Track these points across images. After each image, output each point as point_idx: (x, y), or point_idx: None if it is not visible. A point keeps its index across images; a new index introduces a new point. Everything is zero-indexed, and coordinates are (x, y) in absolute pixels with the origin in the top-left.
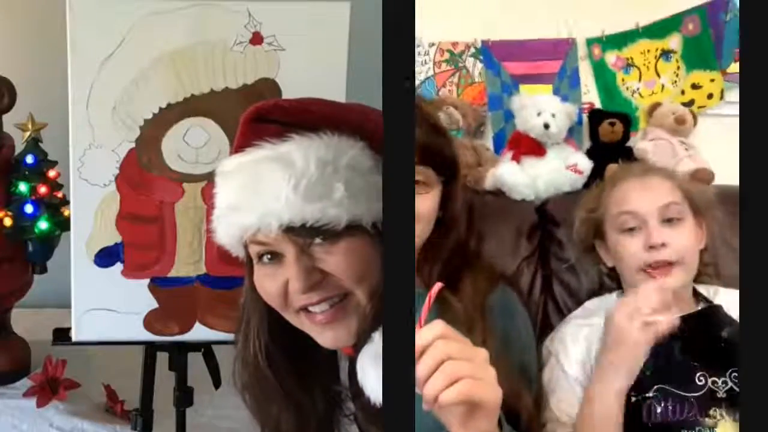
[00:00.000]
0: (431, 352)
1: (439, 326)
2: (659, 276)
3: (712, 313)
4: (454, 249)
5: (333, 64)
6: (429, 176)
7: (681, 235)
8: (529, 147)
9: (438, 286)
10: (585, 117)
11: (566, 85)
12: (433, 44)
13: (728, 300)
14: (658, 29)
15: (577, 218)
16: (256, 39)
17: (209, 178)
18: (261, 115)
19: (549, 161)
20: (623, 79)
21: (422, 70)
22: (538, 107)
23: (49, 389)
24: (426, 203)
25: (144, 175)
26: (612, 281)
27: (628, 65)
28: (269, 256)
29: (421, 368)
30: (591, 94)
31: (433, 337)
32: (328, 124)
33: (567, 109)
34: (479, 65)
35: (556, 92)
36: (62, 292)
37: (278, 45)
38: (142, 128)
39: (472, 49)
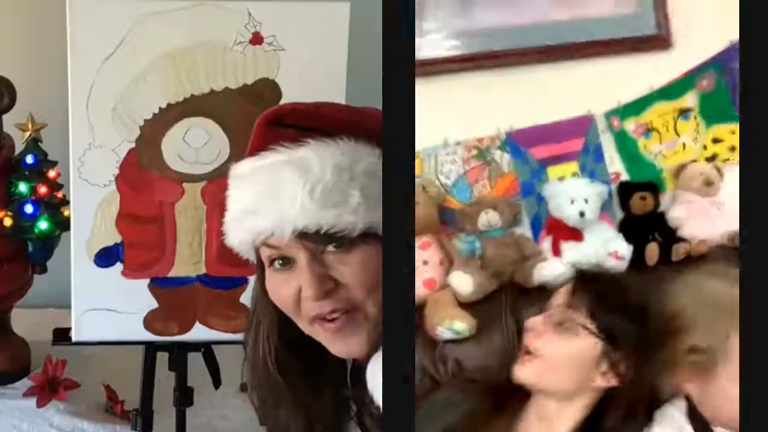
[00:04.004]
0: None
1: None
2: None
3: None
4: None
5: (333, 64)
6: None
7: None
8: (567, 234)
9: None
10: (613, 187)
11: (591, 160)
12: (459, 143)
13: None
14: (673, 90)
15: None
16: (256, 39)
17: (209, 178)
18: (277, 119)
19: (588, 245)
20: (645, 145)
21: (452, 170)
22: (570, 194)
23: (49, 389)
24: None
25: (144, 175)
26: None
27: (648, 130)
28: (281, 261)
29: None
30: (615, 164)
31: None
32: (345, 130)
33: (597, 189)
34: (506, 156)
35: (582, 168)
36: (62, 292)
37: (278, 45)
38: (142, 128)
39: (498, 142)
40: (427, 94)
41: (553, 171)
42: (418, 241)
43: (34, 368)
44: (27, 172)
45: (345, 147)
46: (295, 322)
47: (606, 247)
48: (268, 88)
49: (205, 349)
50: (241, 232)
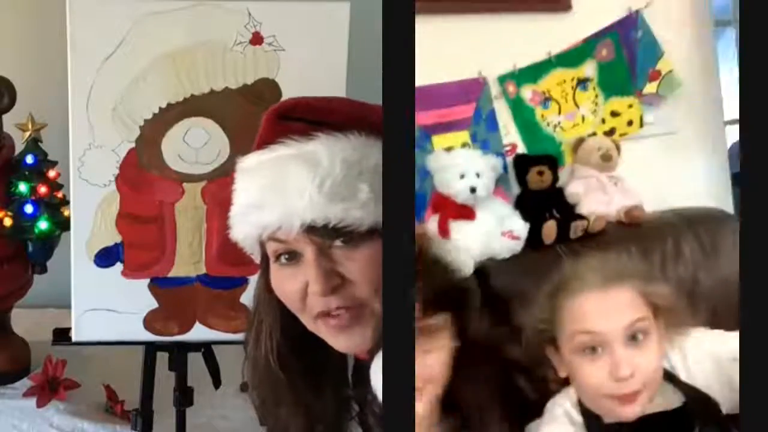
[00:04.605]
0: None
1: None
2: (624, 406)
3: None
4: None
5: (333, 64)
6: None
7: (648, 357)
8: (457, 212)
9: None
10: (509, 159)
11: (483, 129)
12: None
13: None
14: (572, 57)
15: (528, 328)
16: (256, 39)
17: (209, 178)
18: (286, 113)
19: (481, 224)
20: (543, 114)
21: None
22: (460, 168)
23: (49, 389)
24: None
25: (144, 175)
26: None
27: (546, 99)
28: (287, 256)
29: None
30: (512, 135)
31: None
32: (355, 124)
33: (491, 162)
34: None
35: (473, 139)
36: (62, 292)
37: (278, 45)
38: (142, 128)
39: None
40: None
41: (439, 140)
42: None
43: (34, 368)
44: (27, 172)
45: (355, 142)
46: (299, 317)
47: (501, 225)
48: (268, 88)
49: (205, 349)
50: (246, 226)
